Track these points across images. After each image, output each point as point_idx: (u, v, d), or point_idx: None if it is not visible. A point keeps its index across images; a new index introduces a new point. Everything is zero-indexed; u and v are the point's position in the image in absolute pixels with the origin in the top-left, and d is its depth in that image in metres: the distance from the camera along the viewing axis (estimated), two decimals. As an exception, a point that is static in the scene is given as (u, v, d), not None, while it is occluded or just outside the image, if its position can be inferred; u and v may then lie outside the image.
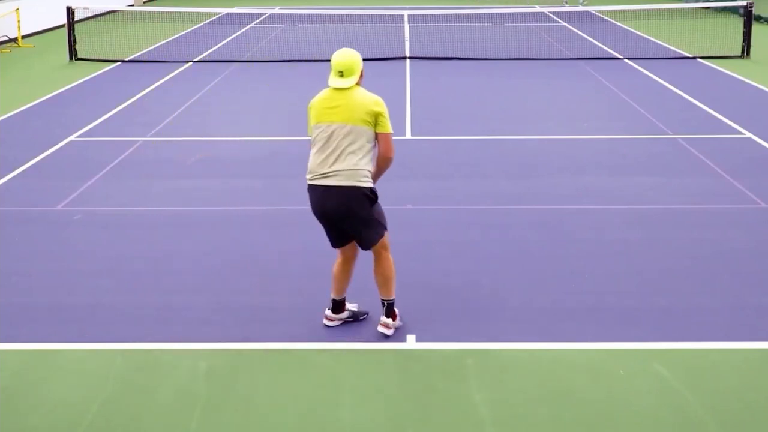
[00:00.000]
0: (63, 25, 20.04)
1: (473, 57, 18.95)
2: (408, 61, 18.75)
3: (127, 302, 6.71)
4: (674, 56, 19.21)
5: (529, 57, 19.01)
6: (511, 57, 18.96)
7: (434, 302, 6.66)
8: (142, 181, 10.00)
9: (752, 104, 14.28)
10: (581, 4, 30.83)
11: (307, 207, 6.00)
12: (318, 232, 6.23)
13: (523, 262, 7.48)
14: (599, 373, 5.58)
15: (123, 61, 19.05)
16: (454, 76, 16.91)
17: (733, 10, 24.35)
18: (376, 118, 5.82)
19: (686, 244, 7.87)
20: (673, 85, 15.66)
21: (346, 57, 5.87)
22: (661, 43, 21.15)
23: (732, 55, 18.99)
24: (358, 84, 5.91)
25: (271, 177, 10.11)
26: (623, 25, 24.47)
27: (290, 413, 5.16)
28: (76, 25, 19.53)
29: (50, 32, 24.42)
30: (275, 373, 5.62)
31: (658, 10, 24.17)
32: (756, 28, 20.47)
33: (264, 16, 26.95)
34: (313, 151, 5.89)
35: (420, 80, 16.49)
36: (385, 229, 6.01)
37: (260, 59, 19.16)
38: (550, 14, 25.79)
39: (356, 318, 6.33)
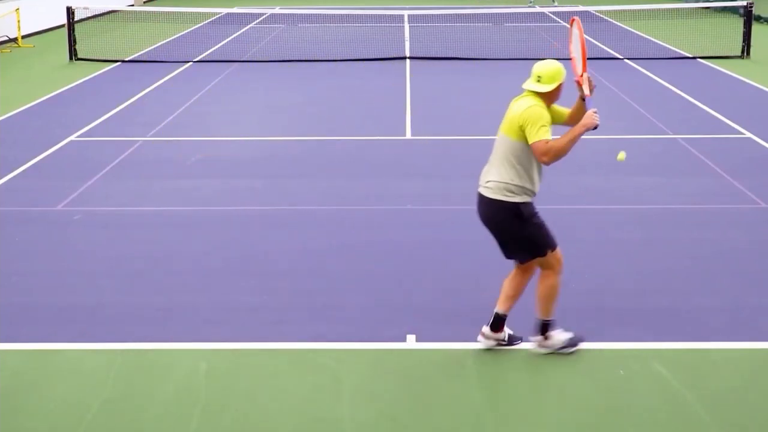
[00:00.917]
0: (63, 25, 20.04)
1: (473, 57, 18.95)
2: (408, 61, 18.72)
3: (127, 302, 6.71)
4: (674, 56, 19.22)
5: (530, 57, 18.97)
6: (511, 57, 18.95)
7: (434, 302, 6.66)
8: (142, 181, 10.00)
9: (752, 104, 14.28)
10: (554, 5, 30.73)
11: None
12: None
13: (523, 262, 7.46)
14: (599, 373, 5.58)
15: (123, 61, 19.05)
16: (454, 76, 16.90)
17: (733, 10, 24.34)
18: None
19: (686, 244, 7.87)
20: (673, 85, 15.66)
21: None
22: (661, 43, 21.14)
23: (732, 55, 18.99)
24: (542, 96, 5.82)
25: (271, 177, 10.10)
26: (623, 25, 24.46)
27: (290, 413, 5.15)
28: (76, 25, 19.52)
29: (50, 32, 24.41)
30: (275, 373, 5.61)
31: (658, 10, 24.18)
32: (756, 28, 20.45)
33: (264, 16, 26.95)
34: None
35: (420, 80, 16.48)
36: (546, 248, 5.62)
37: (260, 59, 19.15)
38: (550, 14, 25.78)
39: (510, 343, 5.89)
